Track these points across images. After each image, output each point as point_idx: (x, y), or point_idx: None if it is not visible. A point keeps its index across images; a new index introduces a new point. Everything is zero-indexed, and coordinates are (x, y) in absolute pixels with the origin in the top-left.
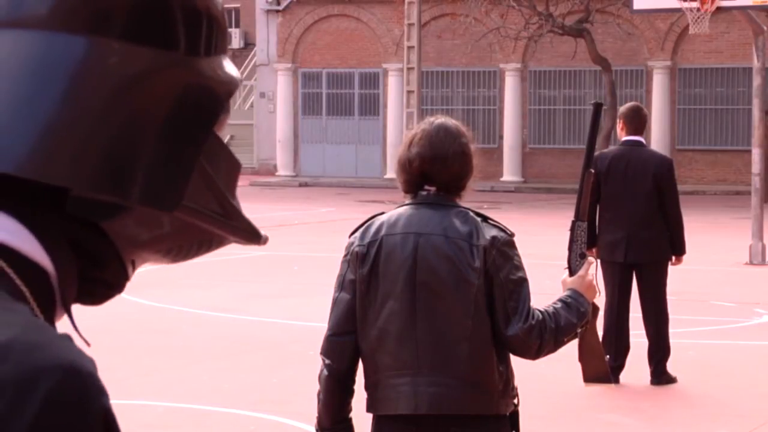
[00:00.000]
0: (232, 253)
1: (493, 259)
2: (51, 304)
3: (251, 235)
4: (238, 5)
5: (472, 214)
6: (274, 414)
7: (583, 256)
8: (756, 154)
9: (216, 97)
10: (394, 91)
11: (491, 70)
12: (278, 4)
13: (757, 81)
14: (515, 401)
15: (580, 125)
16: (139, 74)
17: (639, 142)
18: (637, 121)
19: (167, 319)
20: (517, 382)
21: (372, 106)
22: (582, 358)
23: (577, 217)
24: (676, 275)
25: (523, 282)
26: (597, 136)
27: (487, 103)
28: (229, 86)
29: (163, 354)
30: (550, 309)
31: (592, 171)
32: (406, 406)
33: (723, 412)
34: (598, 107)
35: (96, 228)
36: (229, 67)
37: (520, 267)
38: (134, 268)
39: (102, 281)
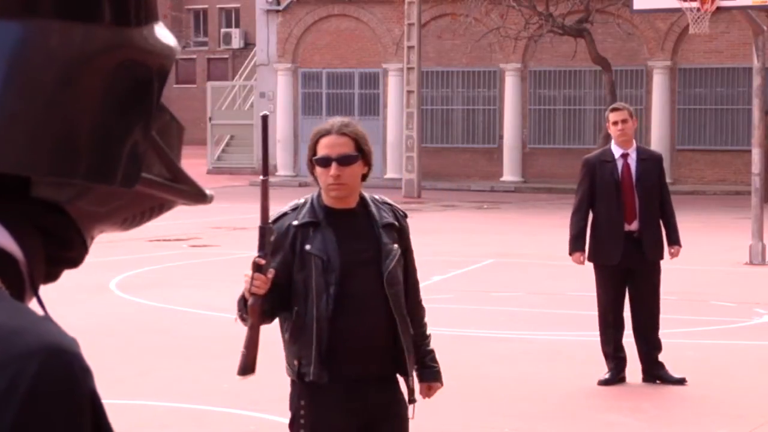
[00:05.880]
0: (233, 253)
1: None
2: (21, 291)
3: (198, 196)
4: (238, 5)
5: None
6: (274, 414)
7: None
8: (756, 154)
9: (154, 69)
10: (394, 91)
11: (491, 70)
12: (278, 4)
13: (757, 81)
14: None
15: (580, 125)
16: (82, 53)
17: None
18: None
19: (167, 319)
20: (518, 382)
21: (372, 106)
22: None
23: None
24: (676, 275)
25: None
26: (268, 146)
27: (487, 103)
28: (167, 56)
29: (163, 354)
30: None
31: (266, 179)
32: None
33: (723, 412)
34: (264, 119)
35: (59, 209)
36: (163, 34)
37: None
38: (92, 241)
39: (67, 260)
